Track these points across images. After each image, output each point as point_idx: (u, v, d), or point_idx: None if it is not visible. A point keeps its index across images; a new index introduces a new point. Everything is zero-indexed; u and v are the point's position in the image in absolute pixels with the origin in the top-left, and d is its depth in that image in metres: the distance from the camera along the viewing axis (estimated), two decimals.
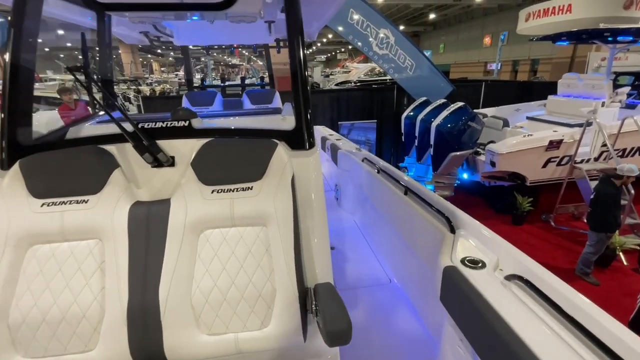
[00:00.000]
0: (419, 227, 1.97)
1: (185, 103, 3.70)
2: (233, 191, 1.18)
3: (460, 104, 5.05)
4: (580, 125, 4.97)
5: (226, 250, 1.14)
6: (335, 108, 7.04)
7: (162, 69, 37.04)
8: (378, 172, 2.75)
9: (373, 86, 14.81)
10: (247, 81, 22.04)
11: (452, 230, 1.70)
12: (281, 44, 3.51)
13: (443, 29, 29.18)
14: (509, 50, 21.28)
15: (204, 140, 1.27)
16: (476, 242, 1.64)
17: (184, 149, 1.27)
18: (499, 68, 19.57)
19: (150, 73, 32.29)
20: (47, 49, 30.94)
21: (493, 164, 4.84)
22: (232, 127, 1.58)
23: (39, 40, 1.28)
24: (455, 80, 7.11)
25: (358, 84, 18.36)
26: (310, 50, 44.66)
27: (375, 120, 6.27)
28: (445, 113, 4.99)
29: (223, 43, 4.35)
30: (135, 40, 2.99)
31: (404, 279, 2.27)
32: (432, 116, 5.34)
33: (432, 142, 5.13)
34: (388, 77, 20.07)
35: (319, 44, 38.17)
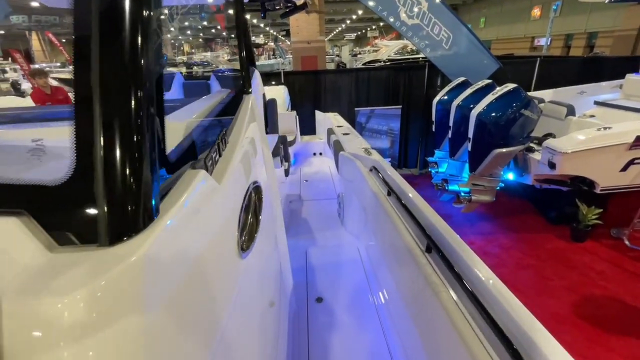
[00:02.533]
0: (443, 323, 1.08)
1: None
2: None
3: (511, 86, 3.91)
4: None
5: None
6: (353, 91, 6.02)
7: (192, 50, 36.97)
8: (389, 194, 1.83)
9: (403, 64, 13.36)
10: (269, 61, 21.14)
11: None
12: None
13: (484, 0, 26.52)
14: (561, 22, 18.88)
15: None
16: None
17: None
18: (548, 43, 17.37)
19: (182, 54, 32.26)
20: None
21: (552, 165, 3.71)
22: None
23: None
24: (499, 57, 5.82)
25: (388, 63, 16.99)
26: (339, 29, 42.71)
27: (401, 106, 5.22)
28: (490, 98, 3.87)
29: None
30: None
31: None
32: (472, 101, 4.24)
33: (470, 134, 4.05)
34: (422, 55, 18.56)
35: (348, 22, 36.25)
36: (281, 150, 2.49)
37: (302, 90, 6.12)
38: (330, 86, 6.06)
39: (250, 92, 1.41)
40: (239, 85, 1.45)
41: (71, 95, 0.42)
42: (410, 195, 1.74)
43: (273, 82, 5.77)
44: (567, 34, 19.53)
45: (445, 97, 4.91)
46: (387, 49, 19.23)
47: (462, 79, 4.91)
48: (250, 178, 0.93)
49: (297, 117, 4.76)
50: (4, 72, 16.33)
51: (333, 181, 3.85)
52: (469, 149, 4.13)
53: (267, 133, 2.59)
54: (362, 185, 2.19)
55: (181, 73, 2.73)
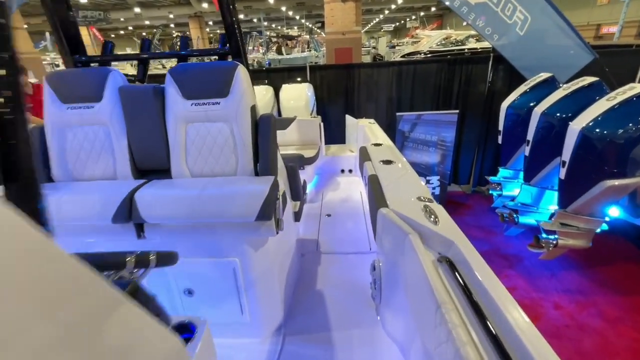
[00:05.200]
0: None
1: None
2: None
3: (638, 88, 2.63)
4: None
5: None
6: (394, 89, 4.87)
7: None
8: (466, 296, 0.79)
9: (452, 56, 11.60)
10: (302, 54, 20.21)
11: None
12: None
13: None
14: (636, 7, 16.25)
15: None
16: None
17: None
18: (620, 32, 14.94)
19: None
20: (130, 27, 32.33)
21: None
22: None
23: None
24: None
25: (429, 55, 15.51)
26: (377, 19, 40.83)
27: (457, 111, 4.03)
28: (603, 106, 2.63)
29: None
30: None
31: None
32: (568, 109, 3.01)
33: (566, 156, 2.83)
34: (468, 46, 16.74)
35: (386, 12, 34.39)
36: (280, 204, 1.50)
37: (330, 88, 5.07)
38: (365, 83, 4.96)
39: None
40: None
41: None
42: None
43: (299, 79, 4.77)
44: None
45: (520, 100, 3.68)
46: (428, 40, 17.68)
47: (545, 75, 3.64)
48: None
49: (322, 123, 3.74)
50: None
51: (366, 219, 2.79)
52: (562, 176, 2.91)
53: (256, 174, 1.62)
54: (419, 280, 1.15)
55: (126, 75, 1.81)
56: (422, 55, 15.62)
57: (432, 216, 1.32)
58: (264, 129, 1.62)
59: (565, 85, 3.19)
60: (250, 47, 22.65)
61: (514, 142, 3.86)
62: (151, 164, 1.69)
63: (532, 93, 3.62)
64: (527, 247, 3.43)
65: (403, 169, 1.94)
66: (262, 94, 4.51)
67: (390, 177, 1.77)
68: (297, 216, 2.12)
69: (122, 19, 26.19)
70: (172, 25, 33.20)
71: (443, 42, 17.55)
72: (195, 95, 1.61)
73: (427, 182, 4.36)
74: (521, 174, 4.06)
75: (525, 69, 4.21)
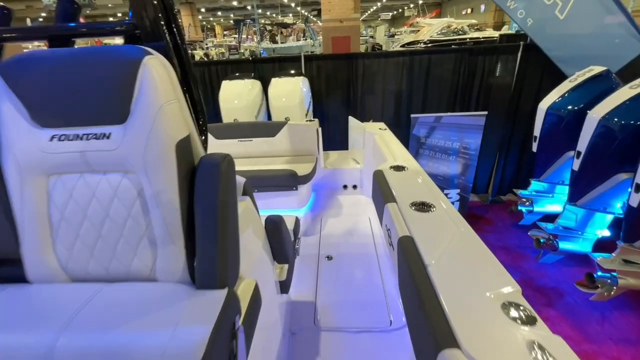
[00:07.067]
0: None
1: None
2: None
3: None
4: None
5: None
6: (404, 83, 4.14)
7: (225, 32, 35.72)
8: None
9: (456, 45, 10.66)
10: (298, 43, 19.31)
11: None
12: None
13: None
14: None
15: None
16: None
17: None
18: None
19: (213, 36, 31.06)
20: (119, 14, 30.99)
21: None
22: None
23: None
24: None
25: (429, 45, 14.78)
26: (374, 8, 39.70)
27: (486, 113, 3.31)
28: None
29: None
30: None
31: None
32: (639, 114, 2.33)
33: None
34: (470, 35, 15.93)
35: (383, 0, 33.31)
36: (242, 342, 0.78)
37: (329, 81, 4.34)
38: (369, 77, 4.22)
39: None
40: None
41: None
42: None
43: (292, 71, 4.02)
44: None
45: (564, 100, 2.99)
46: (429, 29, 16.88)
47: (597, 69, 2.95)
48: None
49: (320, 128, 3.02)
50: None
51: (380, 267, 2.10)
52: (635, 203, 2.23)
53: (193, 279, 0.90)
54: None
55: None
56: (423, 45, 14.89)
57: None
58: (210, 187, 0.85)
59: (633, 83, 2.49)
60: (244, 36, 21.72)
61: (554, 150, 3.19)
62: None
63: (579, 91, 2.93)
64: (575, 285, 2.78)
65: (450, 217, 1.24)
66: (247, 90, 3.76)
67: (438, 243, 1.07)
68: (284, 286, 1.43)
69: (109, 5, 24.99)
70: None
71: (444, 31, 16.81)
72: (58, 120, 0.85)
73: (445, 195, 3.67)
74: (559, 189, 3.40)
75: (563, 60, 3.50)
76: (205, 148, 0.99)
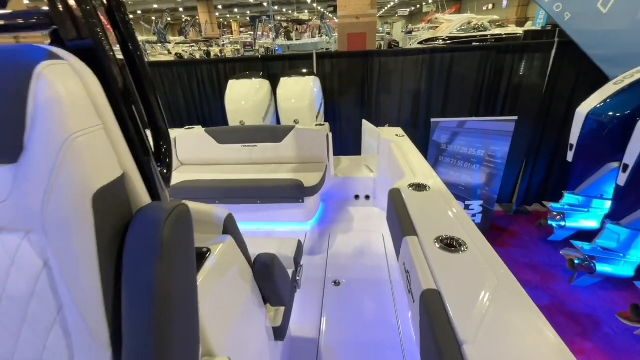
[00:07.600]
0: None
1: None
2: None
3: None
4: None
5: None
6: (423, 83, 3.84)
7: (242, 29, 35.81)
8: None
9: (478, 42, 10.11)
10: (313, 40, 19.04)
11: None
12: None
13: None
14: None
15: None
16: None
17: None
18: None
19: (230, 33, 31.21)
20: (139, 12, 31.36)
21: None
22: None
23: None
24: None
25: (448, 42, 14.25)
26: (391, 4, 38.95)
27: (516, 118, 2.98)
28: None
29: None
30: None
31: None
32: None
33: None
34: (492, 32, 15.29)
35: None
36: None
37: (343, 81, 4.07)
38: (385, 76, 3.93)
39: None
40: None
41: None
42: None
43: (303, 70, 3.78)
44: None
45: (608, 105, 2.65)
46: (448, 25, 16.32)
47: None
48: None
49: (331, 133, 2.77)
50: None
51: (394, 299, 1.83)
52: (622, 182, 1.90)
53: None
54: None
55: None
56: (442, 42, 14.37)
57: None
58: (141, 261, 0.57)
59: None
60: (259, 33, 21.64)
61: (593, 161, 2.85)
62: None
63: (626, 95, 2.59)
64: (617, 316, 2.45)
65: (486, 259, 0.97)
66: (255, 90, 3.54)
67: (475, 306, 0.81)
68: (279, 333, 1.19)
69: (130, 2, 25.35)
70: (180, 10, 32.24)
71: (464, 27, 16.22)
72: None
73: (466, 207, 3.37)
74: (595, 203, 3.06)
75: (605, 60, 3.14)
76: (167, 185, 0.74)
